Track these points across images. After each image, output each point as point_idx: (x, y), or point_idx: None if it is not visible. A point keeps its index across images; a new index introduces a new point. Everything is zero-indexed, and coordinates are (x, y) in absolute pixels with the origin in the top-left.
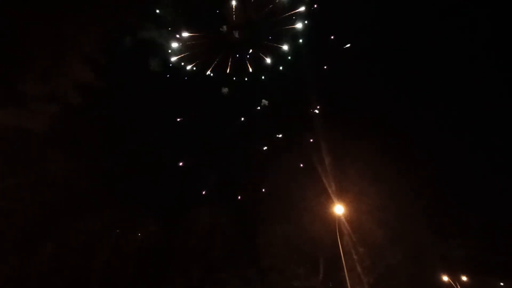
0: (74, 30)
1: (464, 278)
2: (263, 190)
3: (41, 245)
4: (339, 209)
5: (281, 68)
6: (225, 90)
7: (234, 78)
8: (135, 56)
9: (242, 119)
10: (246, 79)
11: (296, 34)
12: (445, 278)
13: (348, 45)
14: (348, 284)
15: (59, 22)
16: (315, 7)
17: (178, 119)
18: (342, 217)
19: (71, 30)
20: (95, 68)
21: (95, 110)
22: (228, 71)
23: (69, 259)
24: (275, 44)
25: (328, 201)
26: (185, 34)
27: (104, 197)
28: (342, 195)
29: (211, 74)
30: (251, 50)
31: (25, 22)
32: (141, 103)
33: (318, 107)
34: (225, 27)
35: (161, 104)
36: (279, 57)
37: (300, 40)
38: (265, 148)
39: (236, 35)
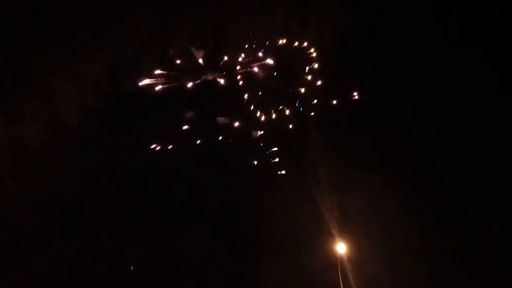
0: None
1: None
2: (261, 222)
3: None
4: (341, 247)
5: None
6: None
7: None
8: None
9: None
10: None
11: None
12: None
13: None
14: None
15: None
16: None
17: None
18: (345, 257)
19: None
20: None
21: (91, 127)
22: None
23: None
24: None
25: (330, 238)
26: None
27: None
28: (344, 232)
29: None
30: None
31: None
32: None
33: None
34: None
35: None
36: None
37: None
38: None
39: None
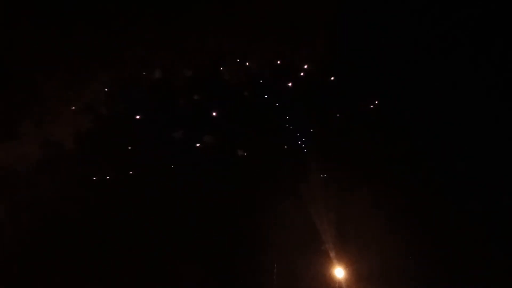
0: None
1: None
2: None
3: None
4: (339, 272)
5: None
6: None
7: None
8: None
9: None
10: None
11: None
12: None
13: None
14: None
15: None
16: None
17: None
18: (343, 282)
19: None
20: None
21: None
22: None
23: None
24: None
25: (327, 262)
26: None
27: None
28: (342, 256)
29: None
30: None
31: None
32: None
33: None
34: None
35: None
36: None
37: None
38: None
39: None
